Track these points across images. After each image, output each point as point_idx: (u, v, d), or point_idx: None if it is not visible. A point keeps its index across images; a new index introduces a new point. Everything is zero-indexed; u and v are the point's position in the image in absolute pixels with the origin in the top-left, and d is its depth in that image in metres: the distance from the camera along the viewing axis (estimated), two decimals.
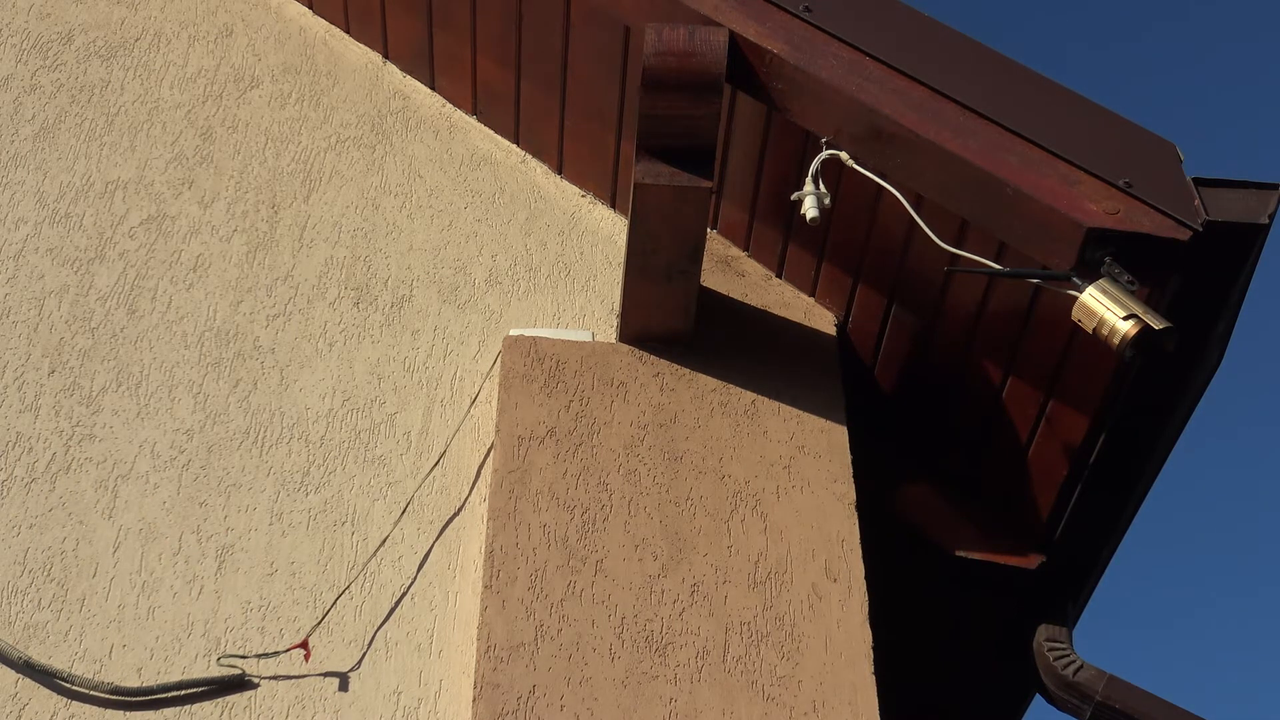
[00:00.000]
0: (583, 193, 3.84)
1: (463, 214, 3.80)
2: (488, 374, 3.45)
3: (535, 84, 3.76)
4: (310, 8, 4.22)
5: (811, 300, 3.57)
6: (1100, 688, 3.33)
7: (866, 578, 3.07)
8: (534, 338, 3.41)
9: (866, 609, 3.02)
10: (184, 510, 3.18)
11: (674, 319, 3.38)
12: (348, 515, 3.19)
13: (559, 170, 3.87)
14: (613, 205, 3.79)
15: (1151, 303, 2.80)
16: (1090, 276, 2.80)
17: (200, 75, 4.04)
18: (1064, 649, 3.39)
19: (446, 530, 3.20)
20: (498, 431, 3.24)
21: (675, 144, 3.11)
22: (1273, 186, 2.90)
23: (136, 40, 4.11)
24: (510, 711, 2.81)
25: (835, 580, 3.06)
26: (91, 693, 2.90)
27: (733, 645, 2.94)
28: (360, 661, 2.99)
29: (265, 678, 2.95)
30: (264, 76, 4.06)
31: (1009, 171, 2.91)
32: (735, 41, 3.09)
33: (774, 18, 3.13)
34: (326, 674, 2.97)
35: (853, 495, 3.20)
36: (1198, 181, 2.90)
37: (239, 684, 2.92)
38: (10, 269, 3.57)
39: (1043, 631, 3.41)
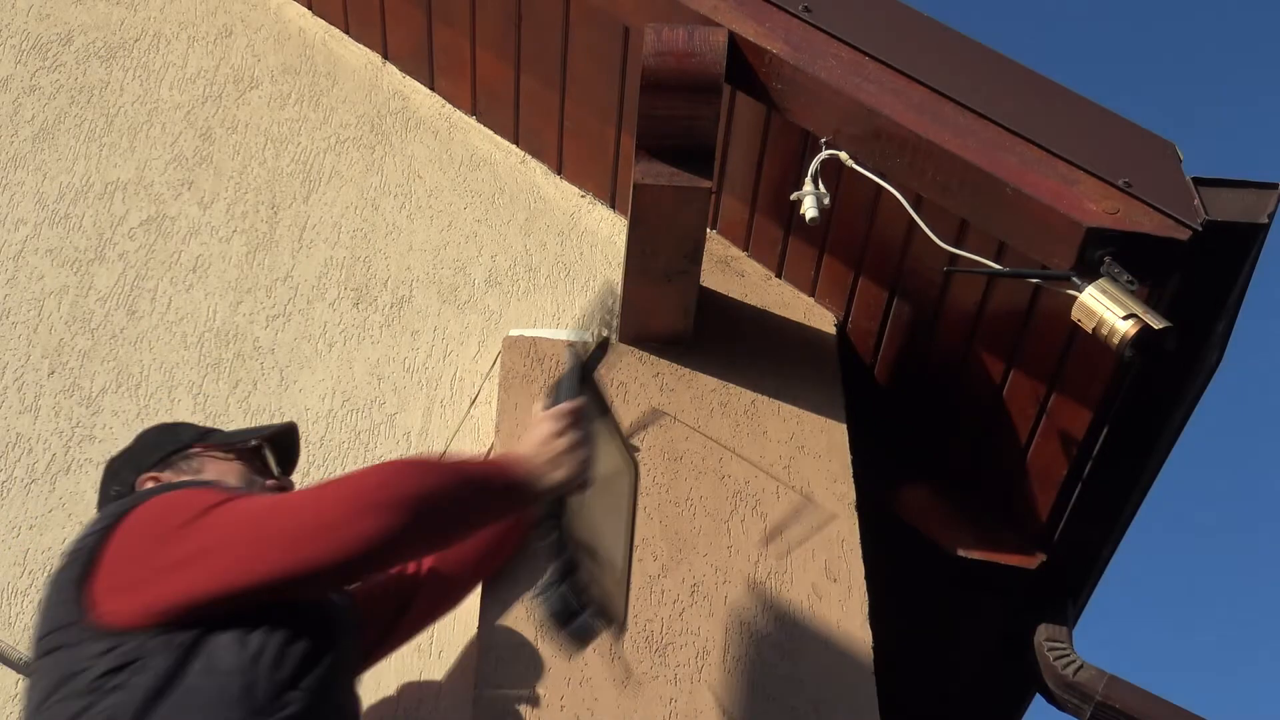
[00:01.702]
0: (582, 193, 3.84)
1: (462, 214, 3.80)
2: (487, 374, 3.45)
3: (534, 84, 3.76)
4: (309, 8, 4.22)
5: (811, 300, 3.57)
6: (1100, 688, 3.33)
7: (866, 578, 3.07)
8: (534, 338, 3.41)
9: (866, 609, 3.02)
10: None
11: (674, 319, 3.38)
12: None
13: (558, 170, 3.87)
14: (612, 205, 3.79)
15: (1151, 302, 2.80)
16: (1090, 276, 2.80)
17: (200, 76, 4.04)
18: (1064, 649, 3.39)
19: None
20: (498, 432, 3.24)
21: (675, 144, 3.11)
22: (1273, 186, 2.90)
23: (136, 41, 4.11)
24: (510, 712, 2.81)
25: (835, 580, 3.05)
26: None
27: (733, 645, 2.94)
28: None
29: None
30: (263, 77, 4.06)
31: (1009, 171, 2.91)
32: (735, 42, 3.09)
33: (773, 18, 3.13)
34: None
35: (853, 495, 3.20)
36: (1197, 181, 2.90)
37: None
38: (10, 270, 3.57)
39: (1043, 631, 3.41)
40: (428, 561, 2.74)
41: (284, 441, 2.65)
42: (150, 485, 2.46)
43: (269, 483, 2.52)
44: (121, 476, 2.53)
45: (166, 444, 2.54)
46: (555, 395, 2.47)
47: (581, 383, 2.50)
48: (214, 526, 2.14)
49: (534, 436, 2.36)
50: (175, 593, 2.11)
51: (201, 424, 2.79)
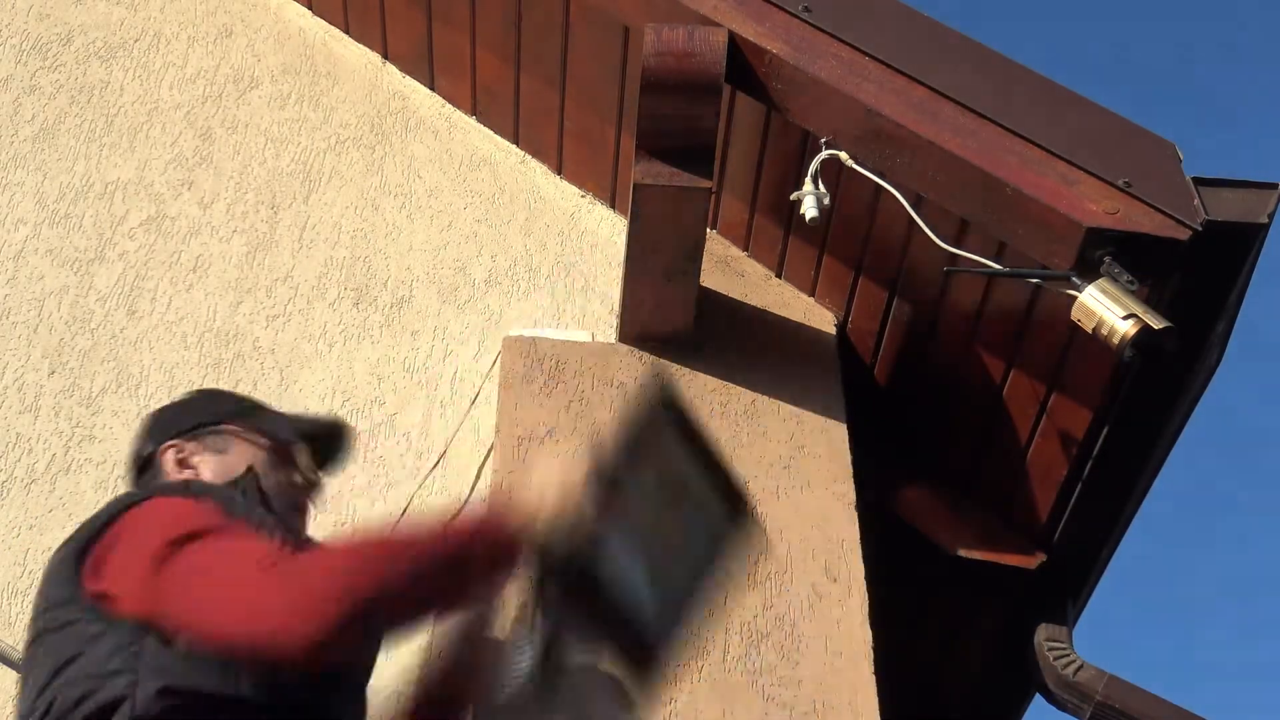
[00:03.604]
0: (582, 193, 3.84)
1: (462, 214, 3.80)
2: (487, 374, 3.45)
3: (535, 84, 3.76)
4: (309, 8, 4.21)
5: (811, 300, 3.57)
6: (1100, 688, 3.33)
7: (866, 578, 3.07)
8: (533, 338, 3.41)
9: (866, 609, 3.02)
10: None
11: (674, 319, 3.38)
12: (348, 515, 3.19)
13: (558, 170, 3.87)
14: (612, 205, 3.79)
15: (1151, 302, 2.80)
16: (1090, 276, 2.80)
17: (200, 76, 4.04)
18: (1064, 649, 3.38)
19: None
20: (497, 432, 3.24)
21: (675, 144, 3.11)
22: (1272, 186, 2.90)
23: (136, 41, 4.11)
24: (511, 712, 2.80)
25: (835, 580, 3.05)
26: None
27: (733, 645, 2.94)
28: None
29: None
30: (263, 77, 4.05)
31: (1008, 171, 2.91)
32: (734, 41, 3.09)
33: (773, 18, 3.13)
34: None
35: (853, 495, 3.20)
36: (1197, 181, 2.90)
37: None
38: (10, 270, 3.57)
39: (1043, 631, 3.41)
40: None
41: (328, 440, 2.52)
42: (170, 455, 2.39)
43: (296, 479, 2.43)
44: (153, 435, 2.43)
45: (203, 413, 2.44)
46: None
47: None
48: (180, 573, 2.02)
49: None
50: (148, 612, 2.03)
51: (247, 397, 2.70)
